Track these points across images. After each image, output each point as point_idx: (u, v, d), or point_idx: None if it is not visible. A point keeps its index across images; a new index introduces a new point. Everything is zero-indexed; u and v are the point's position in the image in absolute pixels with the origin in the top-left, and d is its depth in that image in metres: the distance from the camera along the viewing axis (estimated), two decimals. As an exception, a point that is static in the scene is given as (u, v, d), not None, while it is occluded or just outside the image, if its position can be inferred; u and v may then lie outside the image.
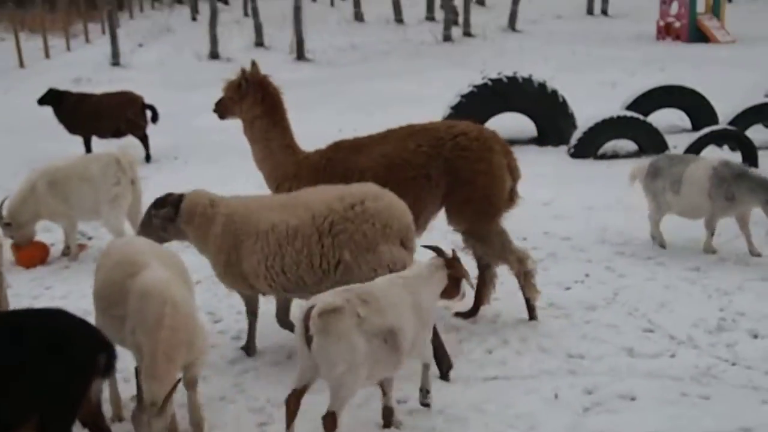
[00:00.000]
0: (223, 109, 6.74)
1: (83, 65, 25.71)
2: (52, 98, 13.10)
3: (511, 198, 6.50)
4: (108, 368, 4.05)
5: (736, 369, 5.60)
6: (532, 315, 6.54)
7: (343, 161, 6.30)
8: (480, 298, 6.67)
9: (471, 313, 6.66)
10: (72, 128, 13.10)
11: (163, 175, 12.04)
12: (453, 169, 6.19)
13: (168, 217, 5.77)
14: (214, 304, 7.12)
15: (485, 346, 6.09)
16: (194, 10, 40.99)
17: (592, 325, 6.41)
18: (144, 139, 13.08)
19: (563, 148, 12.71)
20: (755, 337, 6.14)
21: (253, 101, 6.44)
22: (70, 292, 7.64)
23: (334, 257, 5.30)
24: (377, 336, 4.46)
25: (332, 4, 46.98)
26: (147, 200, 10.36)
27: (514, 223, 8.38)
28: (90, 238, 9.25)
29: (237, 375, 5.76)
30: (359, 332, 4.37)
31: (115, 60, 26.05)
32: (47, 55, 29.86)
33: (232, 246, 5.50)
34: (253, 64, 6.56)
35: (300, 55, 25.40)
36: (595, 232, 8.80)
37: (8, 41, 29.91)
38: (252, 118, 6.49)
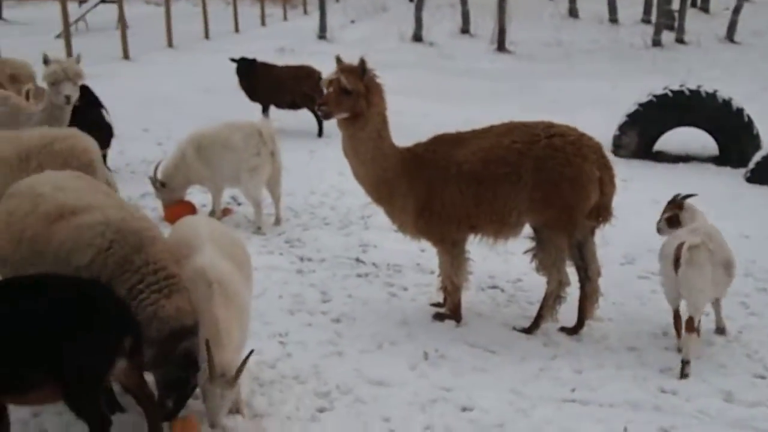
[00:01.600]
0: (334, 106, 6.13)
1: (292, 36, 26.64)
2: (247, 67, 13.68)
3: (602, 214, 6.23)
4: (134, 351, 4.11)
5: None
6: (529, 329, 6.42)
7: (445, 154, 6.22)
8: (582, 312, 6.45)
9: (574, 330, 6.45)
10: (251, 95, 13.68)
11: (330, 149, 12.31)
12: (541, 168, 5.99)
13: None
14: (327, 284, 7.24)
15: (577, 365, 5.89)
16: (412, -9, 41.42)
17: (701, 361, 6.05)
18: (317, 114, 13.38)
19: (743, 171, 12.02)
20: None
21: (373, 97, 6.14)
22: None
23: None
24: (720, 265, 5.93)
25: (551, -3, 46.29)
26: (310, 172, 10.80)
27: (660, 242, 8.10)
28: (240, 204, 9.58)
29: (320, 357, 5.83)
30: (710, 262, 5.77)
31: (322, 33, 26.82)
32: (263, 23, 31.13)
33: None
34: (361, 60, 6.19)
35: (501, 46, 25.23)
36: (742, 263, 8.27)
37: (241, 6, 31.28)
38: (369, 115, 6.13)
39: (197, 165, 8.70)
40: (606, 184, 6.16)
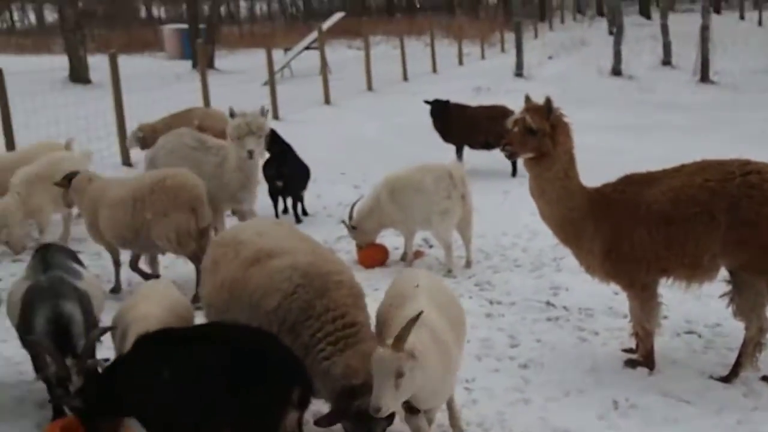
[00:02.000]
0: (519, 146, 6.18)
1: (489, 74, 26.79)
2: (441, 109, 13.94)
3: None
4: (302, 402, 4.19)
5: None
6: (727, 377, 6.06)
7: (633, 195, 6.05)
8: (740, 357, 6.12)
9: (728, 377, 6.12)
10: (445, 137, 13.86)
11: (524, 189, 12.21)
12: (736, 207, 5.70)
13: None
14: (516, 328, 7.19)
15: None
16: (612, 24, 40.74)
17: None
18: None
19: None
20: None
21: (561, 136, 6.09)
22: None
23: None
24: None
25: (760, 23, 44.40)
26: (502, 213, 10.75)
27: None
28: (431, 246, 9.68)
29: (506, 404, 5.79)
30: None
31: (519, 71, 26.82)
32: (461, 62, 31.48)
33: None
34: (547, 99, 6.16)
35: (704, 76, 24.37)
36: None
37: (439, 47, 31.79)
38: (559, 153, 6.10)
39: (390, 208, 8.91)
40: None
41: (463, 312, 5.30)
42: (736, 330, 6.66)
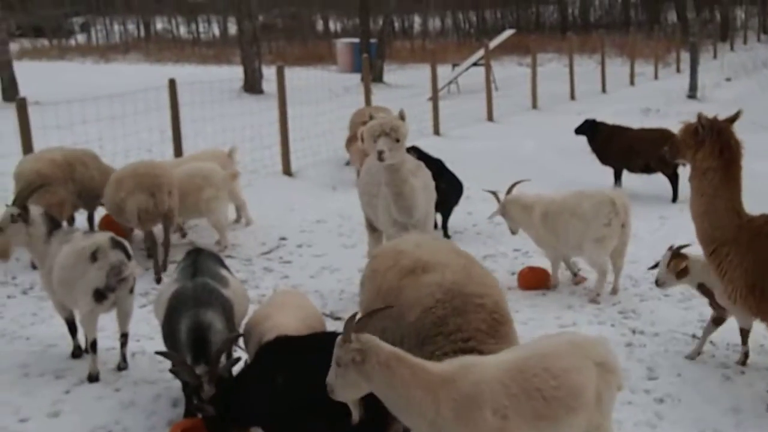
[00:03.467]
0: (674, 151, 6.35)
1: (660, 95, 26.01)
2: (588, 128, 13.67)
3: None
4: None
5: None
6: None
7: None
8: None
9: None
10: (603, 159, 13.55)
11: (684, 215, 11.81)
12: None
13: None
14: (656, 360, 6.93)
15: None
16: (798, 46, 38.85)
17: None
18: (673, 178, 12.92)
19: None
20: None
21: (710, 151, 5.98)
22: (531, 319, 7.97)
23: None
24: None
25: None
26: (658, 239, 10.44)
27: None
28: (580, 272, 9.42)
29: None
30: None
31: (692, 93, 25.91)
32: (632, 82, 30.71)
33: None
34: (700, 115, 6.07)
35: None
36: None
37: (611, 65, 31.20)
38: (704, 168, 6.03)
39: (541, 230, 8.84)
40: None
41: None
42: None
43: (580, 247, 8.56)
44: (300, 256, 10.31)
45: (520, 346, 4.50)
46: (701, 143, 6.03)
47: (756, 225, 5.94)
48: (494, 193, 9.43)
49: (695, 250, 6.69)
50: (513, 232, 9.42)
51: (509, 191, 9.31)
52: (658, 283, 7.02)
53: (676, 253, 6.89)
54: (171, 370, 5.39)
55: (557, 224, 8.68)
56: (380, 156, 7.27)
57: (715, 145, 5.97)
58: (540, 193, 9.28)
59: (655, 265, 7.14)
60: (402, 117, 7.58)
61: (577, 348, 4.13)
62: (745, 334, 6.73)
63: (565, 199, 8.79)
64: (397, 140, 7.35)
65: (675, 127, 13.19)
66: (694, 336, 7.47)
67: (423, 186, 7.97)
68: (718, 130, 5.99)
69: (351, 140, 13.95)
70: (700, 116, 6.07)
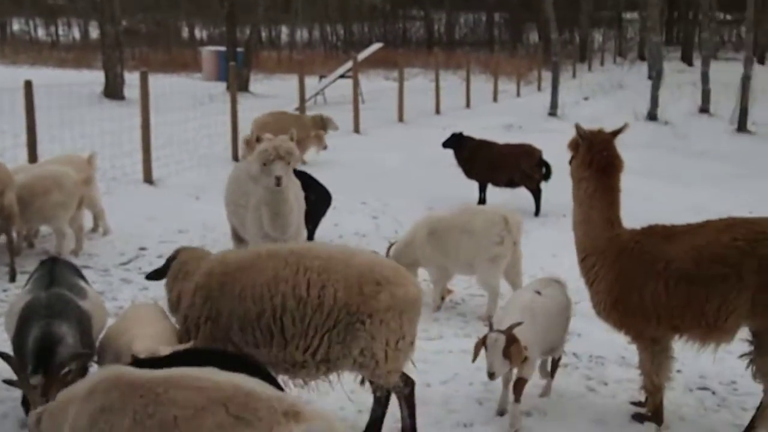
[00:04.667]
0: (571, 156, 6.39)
1: (522, 112, 26.62)
2: (455, 142, 13.77)
3: None
4: None
5: None
6: None
7: (651, 247, 5.82)
8: (755, 420, 5.85)
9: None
10: (469, 172, 13.66)
11: (545, 229, 12.03)
12: (767, 269, 5.44)
13: None
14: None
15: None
16: (651, 68, 40.38)
17: None
18: (536, 193, 13.15)
19: None
20: None
21: (581, 161, 6.09)
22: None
23: None
24: None
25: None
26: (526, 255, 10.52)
27: None
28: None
29: None
30: None
31: (553, 110, 26.65)
32: (495, 99, 31.33)
33: None
34: (577, 127, 6.16)
35: (741, 126, 24.01)
36: None
37: (475, 81, 31.72)
38: (579, 178, 6.13)
39: (427, 249, 8.57)
40: None
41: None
42: (753, 390, 6.41)
43: (471, 265, 8.43)
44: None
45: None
46: (577, 153, 6.15)
47: (623, 239, 6.00)
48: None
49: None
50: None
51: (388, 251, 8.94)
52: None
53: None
54: (5, 381, 5.01)
55: (446, 242, 8.46)
56: (279, 182, 7.11)
57: (586, 155, 6.05)
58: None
59: None
60: (292, 139, 7.41)
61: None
62: (519, 385, 5.94)
63: (454, 216, 8.63)
64: (289, 163, 7.20)
65: (537, 143, 13.62)
66: (558, 348, 7.51)
67: (295, 199, 7.79)
68: (590, 142, 6.07)
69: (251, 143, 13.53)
70: (577, 127, 6.14)
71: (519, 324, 5.67)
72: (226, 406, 3.68)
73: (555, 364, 6.57)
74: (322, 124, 17.40)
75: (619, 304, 5.91)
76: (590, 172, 6.04)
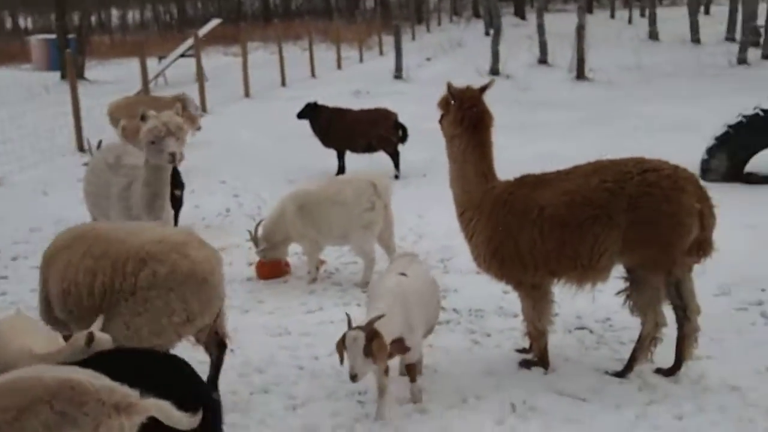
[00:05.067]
0: (442, 124, 6.40)
1: (368, 77, 26.67)
2: (310, 111, 13.63)
3: (702, 249, 5.82)
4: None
5: None
6: (622, 372, 6.00)
7: (524, 197, 5.94)
8: (680, 353, 6.02)
9: (671, 371, 6.03)
10: (326, 142, 13.57)
11: (407, 191, 12.07)
12: (635, 206, 5.63)
13: None
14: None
15: (677, 411, 5.47)
16: (488, 25, 41.14)
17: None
18: (395, 156, 13.21)
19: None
20: None
21: (454, 119, 6.14)
22: (278, 308, 7.77)
23: None
24: None
25: (630, 21, 45.75)
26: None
27: (757, 270, 7.64)
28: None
29: (402, 416, 5.54)
30: None
31: (398, 73, 26.81)
32: (339, 66, 31.28)
33: None
34: (448, 85, 6.22)
35: (580, 74, 24.80)
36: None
37: (317, 51, 31.48)
38: (451, 135, 6.20)
39: (298, 223, 8.44)
40: (706, 216, 5.76)
41: None
42: (625, 324, 6.66)
43: (345, 236, 8.36)
44: (16, 270, 9.42)
45: None
46: (448, 112, 6.18)
47: (498, 191, 6.08)
48: (252, 240, 8.81)
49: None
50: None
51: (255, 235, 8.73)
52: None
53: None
54: None
55: (318, 216, 8.36)
56: (173, 158, 6.84)
57: (457, 113, 6.11)
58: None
59: None
60: (178, 114, 7.14)
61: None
62: (410, 369, 5.80)
63: (322, 189, 8.53)
64: (179, 139, 6.93)
65: (390, 106, 13.65)
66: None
67: None
68: (461, 99, 6.12)
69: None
70: (449, 86, 6.17)
71: (380, 317, 5.18)
72: (50, 403, 3.49)
73: (411, 369, 5.79)
74: (183, 104, 16.91)
75: (498, 255, 6.00)
76: (462, 128, 6.11)
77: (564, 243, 5.80)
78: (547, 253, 5.86)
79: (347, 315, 5.41)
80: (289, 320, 7.37)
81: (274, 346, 6.78)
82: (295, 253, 9.04)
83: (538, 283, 6.06)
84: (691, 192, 5.74)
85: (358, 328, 5.13)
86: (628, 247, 5.75)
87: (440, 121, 6.36)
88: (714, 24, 34.91)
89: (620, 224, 5.69)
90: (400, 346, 5.39)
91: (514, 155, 13.31)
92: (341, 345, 5.16)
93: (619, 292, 6.03)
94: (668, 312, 6.00)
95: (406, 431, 5.32)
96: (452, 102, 6.15)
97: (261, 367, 6.38)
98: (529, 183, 6.08)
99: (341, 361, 5.23)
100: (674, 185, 5.70)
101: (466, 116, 6.09)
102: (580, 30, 25.02)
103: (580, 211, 5.75)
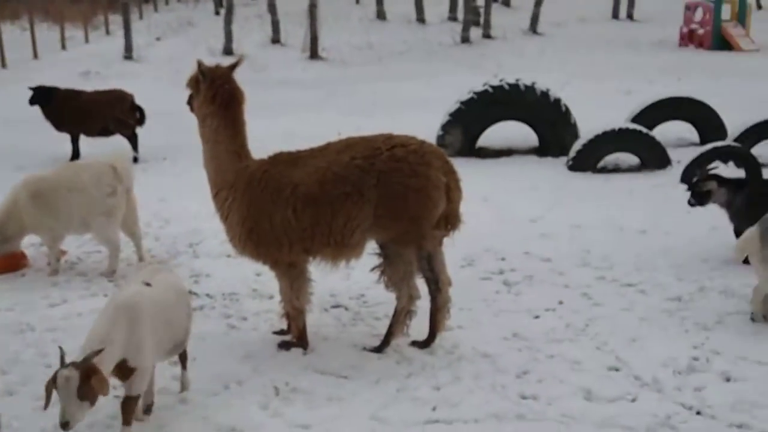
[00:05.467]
0: (191, 104, 6.27)
1: (97, 58, 25.56)
2: (41, 96, 12.79)
3: (450, 222, 6.09)
4: None
5: (698, 420, 5.14)
6: (380, 347, 6.14)
7: (278, 175, 5.93)
8: (434, 324, 6.23)
9: (426, 343, 6.23)
10: (58, 126, 12.83)
11: (147, 175, 11.69)
12: (385, 182, 5.77)
13: None
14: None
15: (434, 381, 5.66)
16: (218, 5, 40.54)
17: (555, 360, 5.97)
18: (132, 139, 12.76)
19: (564, 160, 12.22)
20: (727, 380, 5.66)
21: (205, 98, 6.01)
22: (17, 303, 7.26)
23: None
24: None
25: (357, 1, 46.68)
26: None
27: (496, 241, 7.99)
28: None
29: (161, 408, 5.35)
30: None
31: (128, 54, 25.89)
32: (63, 47, 29.73)
33: None
34: (199, 63, 6.05)
35: (313, 53, 25.05)
36: (578, 253, 8.34)
37: (38, 31, 29.68)
38: (203, 115, 6.06)
39: (33, 212, 7.83)
40: (453, 190, 6.00)
41: None
42: (381, 300, 6.81)
43: (86, 224, 7.89)
44: None
45: None
46: (199, 91, 6.04)
47: (252, 170, 6.01)
48: None
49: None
50: None
51: None
52: None
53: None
54: None
55: (55, 203, 7.81)
56: None
57: (208, 92, 5.99)
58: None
59: None
60: None
61: None
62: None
63: (57, 174, 8.01)
64: None
65: (125, 88, 13.16)
66: (191, 292, 7.33)
67: None
68: (211, 77, 6.00)
69: None
70: (199, 63, 6.02)
71: (99, 352, 4.35)
72: None
73: (184, 356, 5.52)
74: None
75: (253, 234, 5.95)
76: (214, 107, 6.00)
77: (318, 220, 5.84)
78: (301, 230, 5.87)
79: (60, 349, 4.46)
80: (32, 316, 6.91)
81: (18, 344, 6.34)
82: (31, 245, 8.50)
83: (294, 261, 6.05)
84: (438, 166, 5.94)
85: (72, 365, 4.29)
86: (380, 222, 5.87)
87: (189, 102, 6.22)
88: (438, 4, 36.32)
89: (371, 200, 5.80)
90: (123, 370, 4.64)
91: (257, 135, 13.25)
92: (51, 385, 4.31)
93: (373, 268, 6.14)
94: (421, 285, 6.18)
95: (169, 424, 5.14)
96: (202, 80, 5.99)
97: (4, 368, 5.94)
98: (282, 161, 6.05)
99: (46, 405, 4.43)
100: (421, 160, 5.88)
101: (219, 94, 5.99)
102: (313, 9, 25.24)
103: (332, 188, 5.80)
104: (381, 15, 35.42)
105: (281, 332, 6.48)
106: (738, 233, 7.45)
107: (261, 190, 5.91)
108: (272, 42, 28.35)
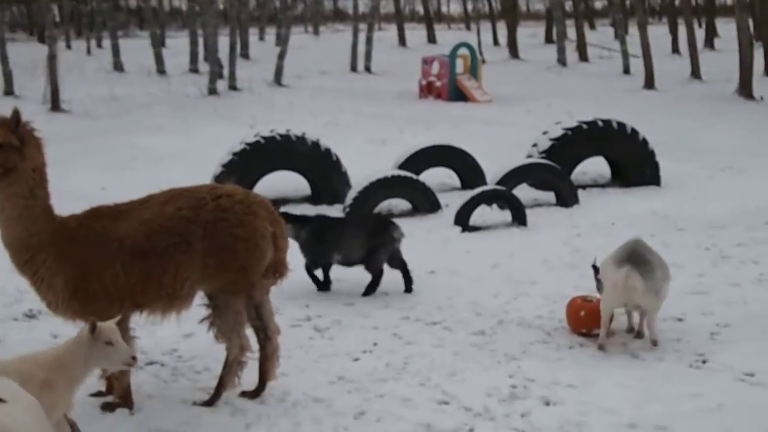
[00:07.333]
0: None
1: None
2: None
3: (278, 270, 6.20)
4: None
5: (533, 443, 5.48)
6: (211, 400, 6.04)
7: (102, 228, 5.73)
8: (264, 373, 6.22)
9: (256, 392, 6.19)
10: None
11: None
12: (212, 232, 5.75)
13: None
14: None
15: (276, 430, 5.65)
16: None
17: (386, 399, 6.14)
18: None
19: (338, 207, 12.50)
20: (547, 404, 6.08)
21: (34, 151, 5.61)
22: None
23: None
24: None
25: (89, 52, 45.32)
26: None
27: (294, 288, 8.07)
28: None
29: None
30: None
31: None
32: None
33: None
34: (15, 111, 5.57)
35: (55, 105, 23.95)
36: (378, 296, 8.60)
37: None
38: (29, 169, 5.55)
39: None
40: (279, 238, 6.08)
41: None
42: (193, 352, 6.74)
43: None
44: None
45: None
46: (23, 143, 5.54)
47: (69, 227, 5.75)
48: None
49: None
50: None
51: None
52: None
53: None
54: None
55: None
56: None
57: (37, 142, 5.67)
58: None
59: None
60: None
61: None
62: None
63: None
64: None
65: None
66: None
67: None
68: (31, 128, 5.68)
69: None
70: (17, 111, 5.55)
71: None
72: None
73: None
74: None
75: (80, 293, 5.67)
76: (41, 157, 5.69)
77: (148, 274, 5.70)
78: (131, 285, 5.70)
79: None
80: None
81: None
82: None
83: (123, 317, 5.83)
84: (264, 216, 5.99)
85: None
86: (208, 273, 5.82)
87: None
88: (176, 55, 36.03)
89: (198, 251, 5.74)
90: None
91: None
92: None
93: (202, 320, 6.06)
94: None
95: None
96: (17, 132, 5.55)
97: None
98: (104, 214, 5.85)
99: None
100: (248, 210, 5.91)
101: (39, 146, 5.66)
102: (52, 60, 24.17)
103: (159, 240, 5.69)
104: (118, 66, 34.56)
105: (99, 394, 6.20)
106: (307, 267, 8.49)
107: (85, 247, 5.67)
108: (5, 94, 26.84)
